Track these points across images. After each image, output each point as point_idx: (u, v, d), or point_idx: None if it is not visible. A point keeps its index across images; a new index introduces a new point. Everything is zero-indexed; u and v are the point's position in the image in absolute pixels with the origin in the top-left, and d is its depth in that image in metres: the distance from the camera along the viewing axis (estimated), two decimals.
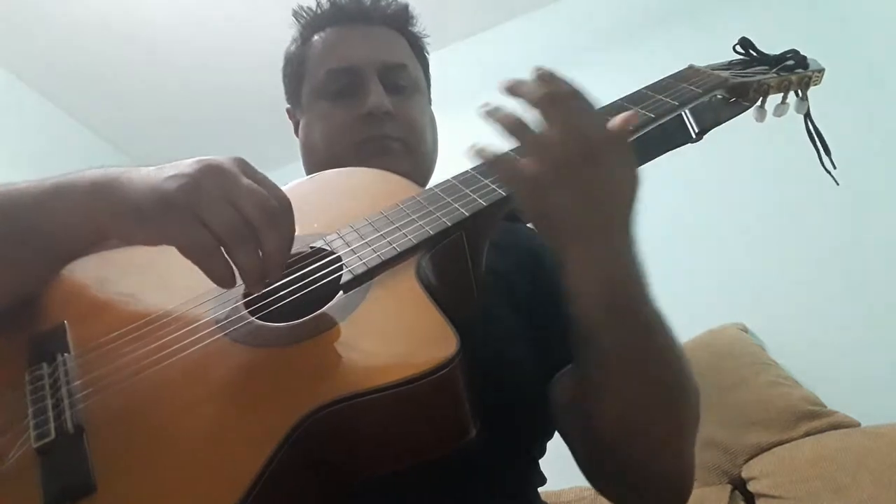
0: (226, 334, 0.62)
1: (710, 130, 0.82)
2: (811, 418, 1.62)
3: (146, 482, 0.53)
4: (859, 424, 1.60)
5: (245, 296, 0.66)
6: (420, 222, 0.67)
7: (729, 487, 1.58)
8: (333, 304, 0.63)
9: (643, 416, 0.66)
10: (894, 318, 1.82)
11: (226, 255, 0.59)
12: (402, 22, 1.02)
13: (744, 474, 1.58)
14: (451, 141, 1.04)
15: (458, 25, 2.63)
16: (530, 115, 0.61)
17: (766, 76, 0.82)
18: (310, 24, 1.02)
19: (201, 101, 2.82)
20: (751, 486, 1.55)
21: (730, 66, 0.86)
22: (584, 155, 0.59)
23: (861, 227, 1.94)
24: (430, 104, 1.04)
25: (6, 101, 2.62)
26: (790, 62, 0.84)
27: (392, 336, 0.60)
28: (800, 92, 0.85)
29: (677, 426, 0.69)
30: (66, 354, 0.63)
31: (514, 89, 0.62)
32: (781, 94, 0.84)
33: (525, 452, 0.82)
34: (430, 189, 0.73)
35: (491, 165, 0.64)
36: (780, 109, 0.84)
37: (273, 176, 0.65)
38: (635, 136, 0.71)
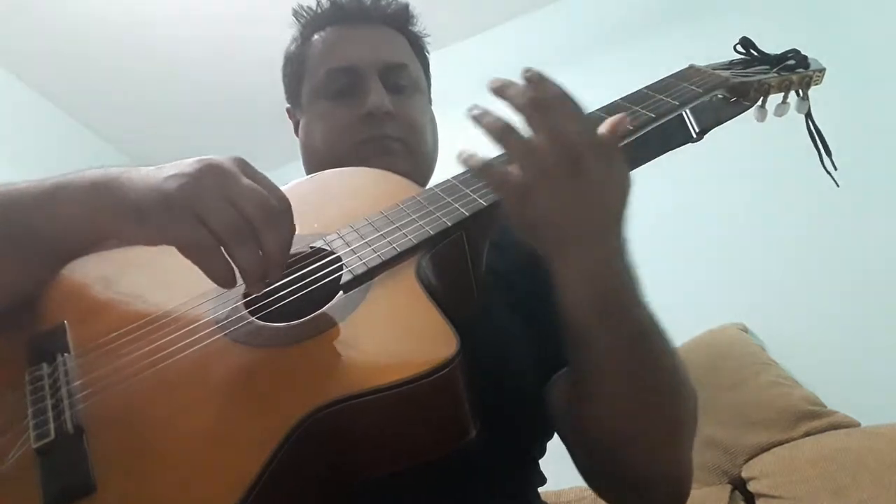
0: (226, 334, 0.62)
1: (710, 130, 0.81)
2: (811, 418, 1.62)
3: (146, 482, 0.53)
4: (859, 424, 1.60)
5: (245, 296, 0.66)
6: (420, 222, 0.67)
7: (729, 487, 1.58)
8: (333, 304, 0.63)
9: (637, 421, 0.66)
10: (894, 318, 1.82)
11: (226, 255, 0.59)
12: (402, 21, 1.02)
13: (744, 474, 1.58)
14: (451, 141, 1.04)
15: (458, 25, 2.63)
16: (517, 120, 0.61)
17: (766, 76, 0.82)
18: (310, 23, 1.02)
19: (201, 101, 2.82)
20: (751, 486, 1.55)
21: (730, 65, 0.86)
22: (569, 162, 0.59)
23: (861, 227, 1.94)
24: (431, 104, 1.04)
25: (6, 101, 2.62)
26: (791, 62, 0.83)
27: (392, 336, 0.60)
28: (801, 91, 0.85)
29: (673, 430, 0.69)
30: (65, 354, 0.63)
31: (500, 91, 0.62)
32: (782, 94, 0.84)
33: (525, 452, 0.82)
34: (431, 189, 0.73)
35: (476, 174, 0.64)
36: (781, 109, 0.84)
37: (273, 176, 0.65)
38: (635, 136, 0.71)
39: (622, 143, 0.70)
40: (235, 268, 0.59)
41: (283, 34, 1.05)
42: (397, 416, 0.54)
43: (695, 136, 0.81)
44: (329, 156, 0.92)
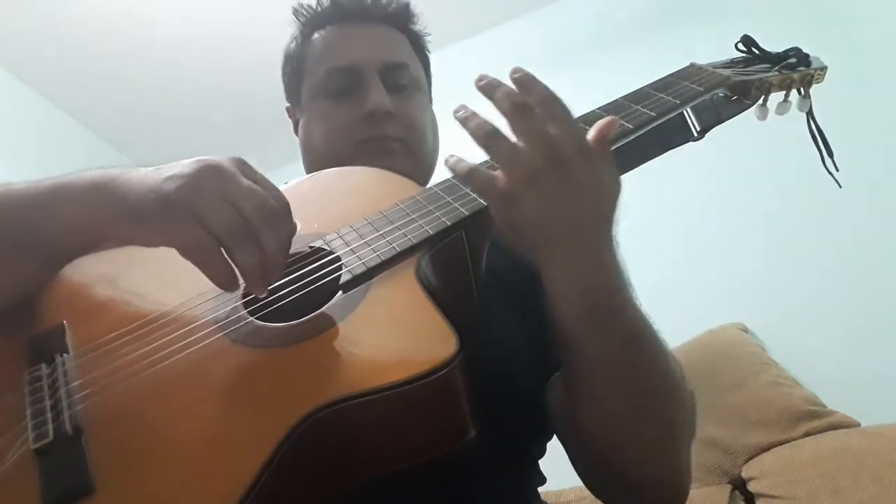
0: (225, 334, 0.62)
1: (711, 129, 0.81)
2: (811, 418, 1.62)
3: (145, 483, 0.53)
4: (859, 424, 1.60)
5: (244, 296, 0.66)
6: (420, 222, 0.67)
7: (729, 487, 1.57)
8: (333, 304, 0.63)
9: (631, 424, 0.66)
10: (894, 318, 1.82)
11: (226, 257, 0.58)
12: (402, 20, 1.01)
13: (744, 474, 1.58)
14: (451, 140, 1.03)
15: (458, 25, 2.62)
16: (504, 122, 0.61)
17: (768, 74, 0.82)
18: (310, 21, 1.01)
19: (201, 101, 2.82)
20: (751, 486, 1.55)
21: (731, 63, 0.86)
22: (553, 166, 0.59)
23: (861, 227, 1.94)
24: (431, 103, 1.04)
25: (6, 101, 2.61)
26: (792, 60, 0.83)
27: (391, 336, 0.60)
28: (802, 90, 0.85)
29: (668, 433, 0.69)
30: (65, 355, 0.63)
31: (487, 91, 0.62)
32: (783, 93, 0.84)
33: (525, 452, 0.82)
34: (430, 188, 0.73)
35: (463, 179, 0.64)
36: (782, 108, 0.84)
37: (273, 175, 0.64)
38: (636, 135, 0.71)
39: (621, 143, 0.70)
40: (235, 269, 0.59)
41: (283, 34, 1.04)
42: (397, 416, 0.54)
43: (696, 134, 0.81)
44: (329, 155, 0.92)
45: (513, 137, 0.61)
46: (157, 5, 2.46)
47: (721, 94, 0.82)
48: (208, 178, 0.59)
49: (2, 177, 0.70)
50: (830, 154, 0.84)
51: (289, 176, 0.85)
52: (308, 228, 0.70)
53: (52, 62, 2.60)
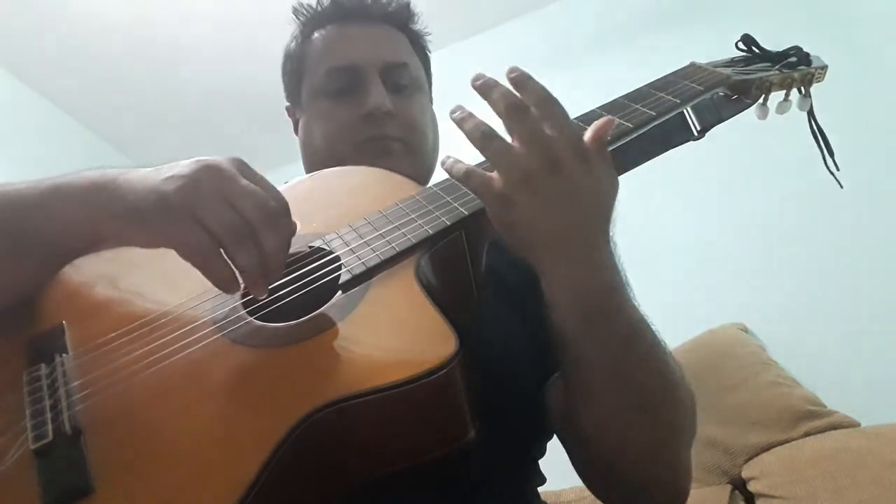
0: (224, 334, 0.62)
1: (711, 128, 0.81)
2: (811, 418, 1.61)
3: (144, 483, 0.53)
4: (859, 424, 1.60)
5: (244, 296, 0.66)
6: (419, 221, 0.67)
7: (729, 487, 1.57)
8: (332, 304, 0.63)
9: (628, 424, 0.66)
10: (894, 318, 1.82)
11: (225, 258, 0.58)
12: (403, 19, 1.01)
13: (744, 474, 1.58)
14: (452, 140, 1.03)
15: (458, 25, 2.62)
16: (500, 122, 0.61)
17: (768, 73, 0.82)
18: (310, 21, 1.01)
19: (201, 101, 2.82)
20: (751, 486, 1.55)
21: (732, 63, 0.85)
22: (548, 167, 0.59)
23: (861, 227, 1.94)
24: (432, 103, 1.04)
25: (6, 101, 2.61)
26: (793, 59, 0.83)
27: (391, 336, 0.60)
28: (803, 89, 0.85)
29: (666, 432, 0.69)
30: (64, 355, 0.63)
31: (483, 91, 0.62)
32: (784, 92, 0.84)
33: (525, 452, 0.82)
34: (430, 188, 0.73)
35: (459, 181, 0.64)
36: (783, 107, 0.84)
37: (273, 175, 0.64)
38: (636, 134, 0.71)
39: (621, 143, 0.70)
40: (235, 270, 0.59)
41: (283, 33, 1.04)
42: (397, 416, 0.54)
43: (696, 134, 0.81)
44: (329, 155, 0.92)
45: (509, 138, 0.61)
46: (157, 5, 2.46)
47: (721, 94, 0.82)
48: (208, 179, 0.59)
49: (2, 177, 0.70)
50: (831, 153, 0.84)
51: (289, 176, 0.85)
52: (307, 228, 0.70)
53: (52, 62, 2.60)
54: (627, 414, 0.66)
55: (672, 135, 0.80)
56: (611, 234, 0.65)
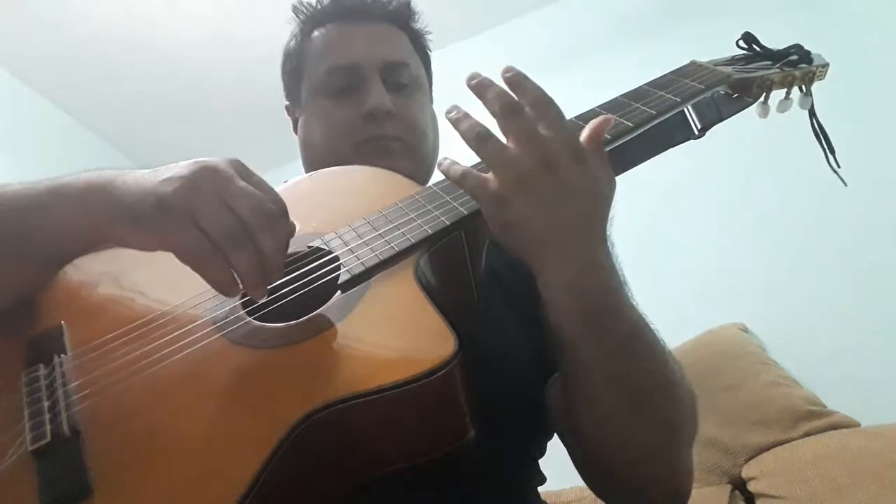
0: (223, 335, 0.62)
1: (712, 126, 0.81)
2: (811, 418, 1.61)
3: (143, 484, 0.52)
4: (859, 424, 1.60)
5: (243, 296, 0.65)
6: (419, 221, 0.67)
7: (729, 487, 1.57)
8: (331, 305, 0.62)
9: (627, 423, 0.66)
10: (894, 318, 1.82)
11: (224, 262, 0.58)
12: (403, 18, 1.01)
13: (744, 474, 1.58)
14: (452, 139, 1.03)
15: (458, 25, 2.62)
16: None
17: (769, 71, 0.81)
18: (310, 19, 1.01)
19: (201, 100, 2.82)
20: (751, 486, 1.55)
21: (732, 61, 0.85)
22: (543, 168, 0.59)
23: (862, 226, 1.94)
24: (432, 102, 1.04)
25: (6, 102, 2.61)
26: (794, 57, 0.83)
27: (390, 336, 0.60)
28: (804, 87, 0.84)
29: (665, 431, 0.69)
30: (63, 356, 0.63)
31: (478, 91, 0.62)
32: (785, 90, 0.84)
33: (525, 452, 0.82)
34: (429, 187, 0.72)
35: (455, 182, 0.64)
36: (784, 105, 0.84)
37: (272, 174, 0.64)
38: (636, 134, 0.71)
39: (621, 142, 0.69)
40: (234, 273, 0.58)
41: (283, 32, 1.04)
42: (396, 416, 0.54)
43: (696, 132, 0.81)
44: (329, 155, 0.92)
45: (504, 139, 0.61)
46: (156, 5, 2.46)
47: (722, 92, 0.81)
48: (205, 180, 0.58)
49: (2, 177, 0.70)
50: (832, 151, 0.83)
51: (288, 175, 0.85)
52: (307, 228, 0.70)
53: (52, 62, 2.60)
54: (626, 414, 0.65)
55: (672, 133, 0.80)
56: (608, 233, 0.64)
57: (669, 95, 0.74)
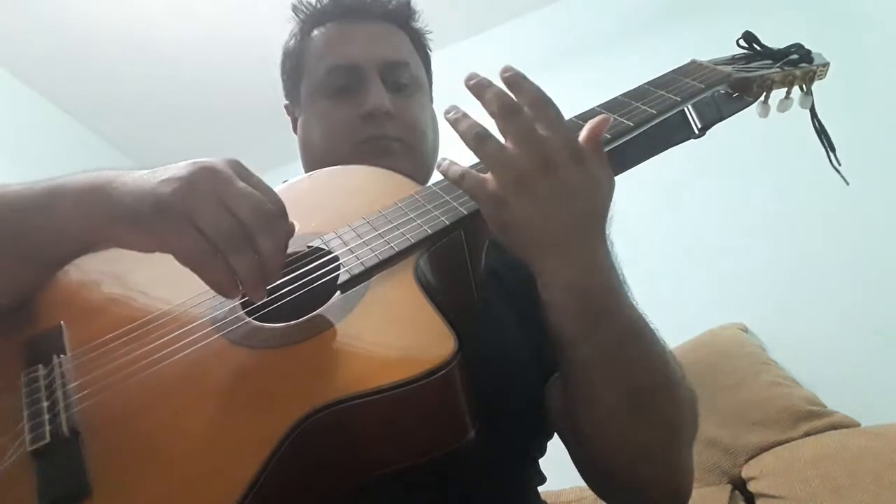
0: (223, 335, 0.62)
1: (712, 126, 0.81)
2: (811, 418, 1.61)
3: (142, 485, 0.52)
4: (859, 424, 1.60)
5: (242, 296, 0.65)
6: (418, 221, 0.67)
7: (729, 487, 1.57)
8: (331, 305, 0.62)
9: (627, 423, 0.66)
10: (894, 318, 1.82)
11: (223, 263, 0.58)
12: (403, 17, 1.01)
13: (744, 474, 1.58)
14: (451, 140, 1.03)
15: (458, 25, 2.62)
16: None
17: (769, 71, 0.81)
18: (309, 18, 1.00)
19: (201, 100, 2.82)
20: (751, 486, 1.55)
21: (733, 60, 0.85)
22: (541, 168, 0.59)
23: (862, 226, 1.94)
24: (432, 102, 1.03)
25: (6, 101, 2.61)
26: (794, 56, 0.83)
27: (390, 336, 0.60)
28: (804, 87, 0.84)
29: (665, 431, 0.69)
30: (62, 356, 0.63)
31: (476, 91, 0.62)
32: (785, 89, 0.83)
33: (525, 452, 0.82)
34: (429, 187, 0.72)
35: (454, 183, 0.64)
36: (784, 105, 0.84)
37: (272, 174, 0.64)
38: (635, 133, 0.71)
39: (621, 141, 0.69)
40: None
41: (283, 31, 1.04)
42: (396, 416, 0.54)
43: (697, 132, 0.80)
44: (328, 155, 0.92)
45: (503, 139, 0.61)
46: (156, 4, 2.46)
47: (722, 91, 0.81)
48: (203, 182, 0.58)
49: (1, 177, 0.70)
50: (833, 150, 0.83)
51: (288, 175, 0.84)
52: (306, 228, 0.70)
53: (52, 62, 2.60)
54: (627, 414, 0.65)
55: (673, 133, 0.80)
56: (607, 233, 0.64)
57: (670, 95, 0.74)
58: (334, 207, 0.76)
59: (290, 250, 0.62)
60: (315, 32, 0.99)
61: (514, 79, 0.62)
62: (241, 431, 0.54)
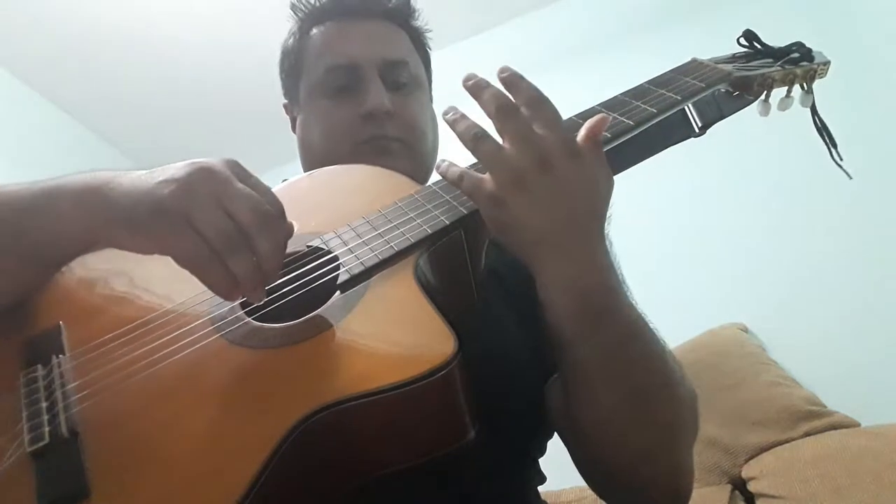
0: (222, 335, 0.62)
1: (713, 125, 0.81)
2: (811, 418, 1.62)
3: (141, 486, 0.52)
4: (859, 424, 1.60)
5: (242, 296, 0.65)
6: (418, 220, 0.67)
7: (729, 487, 1.57)
8: (330, 305, 0.62)
9: (626, 423, 0.66)
10: (894, 318, 1.82)
11: (222, 265, 0.57)
12: (403, 16, 1.00)
13: (744, 474, 1.58)
14: (451, 140, 1.03)
15: (458, 25, 2.62)
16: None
17: (770, 69, 0.81)
18: (308, 17, 1.00)
19: (200, 100, 2.81)
20: (751, 486, 1.55)
21: (733, 59, 0.85)
22: (539, 167, 0.59)
23: (862, 226, 1.94)
24: (432, 101, 1.03)
25: (6, 101, 2.61)
26: (795, 55, 0.83)
27: (389, 337, 0.60)
28: (805, 85, 0.84)
29: (665, 432, 0.69)
30: (61, 356, 0.63)
31: (474, 91, 0.62)
32: (786, 88, 0.83)
33: (525, 452, 0.82)
34: (429, 186, 0.72)
35: (453, 184, 0.64)
36: (785, 103, 0.83)
37: (271, 174, 0.64)
38: (636, 132, 0.70)
39: (621, 140, 0.69)
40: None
41: (282, 30, 1.03)
42: (396, 417, 0.53)
43: (697, 130, 0.80)
44: (328, 155, 0.91)
45: (501, 139, 0.61)
46: (156, 5, 2.46)
47: (723, 90, 0.81)
48: (201, 183, 0.58)
49: (2, 177, 0.70)
50: (835, 146, 0.83)
51: (287, 175, 0.84)
52: (306, 227, 0.70)
53: (52, 62, 2.60)
54: (626, 414, 0.65)
55: (673, 132, 0.79)
56: (606, 232, 0.64)
57: (670, 94, 0.74)
58: (334, 207, 0.76)
59: (289, 250, 0.62)
60: (314, 31, 0.99)
61: (511, 79, 0.62)
62: (241, 432, 0.54)
